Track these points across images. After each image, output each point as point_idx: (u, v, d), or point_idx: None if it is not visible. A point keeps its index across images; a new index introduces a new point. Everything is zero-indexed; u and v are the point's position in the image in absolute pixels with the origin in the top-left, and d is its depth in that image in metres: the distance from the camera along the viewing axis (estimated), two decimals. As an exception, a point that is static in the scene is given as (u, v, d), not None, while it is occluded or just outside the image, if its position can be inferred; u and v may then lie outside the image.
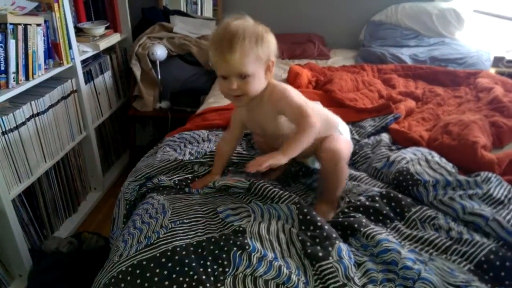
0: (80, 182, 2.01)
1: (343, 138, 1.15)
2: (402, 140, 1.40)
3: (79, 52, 1.92)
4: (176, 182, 1.12)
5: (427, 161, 1.20)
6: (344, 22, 2.51)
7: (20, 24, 1.45)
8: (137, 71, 2.27)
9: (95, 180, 2.12)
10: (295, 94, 1.04)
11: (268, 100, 1.03)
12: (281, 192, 1.05)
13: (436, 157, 1.23)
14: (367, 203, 1.05)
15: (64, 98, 1.80)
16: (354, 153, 1.36)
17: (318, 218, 0.97)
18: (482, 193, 1.08)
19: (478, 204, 1.05)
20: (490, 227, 0.97)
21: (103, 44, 2.09)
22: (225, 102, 1.80)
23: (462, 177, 1.12)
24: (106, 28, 2.19)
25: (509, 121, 1.49)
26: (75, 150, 1.94)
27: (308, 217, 0.97)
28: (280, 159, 0.95)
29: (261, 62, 0.97)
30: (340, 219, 1.02)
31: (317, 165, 1.21)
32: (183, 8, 2.74)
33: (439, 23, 2.38)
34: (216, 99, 1.89)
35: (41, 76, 1.62)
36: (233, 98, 1.02)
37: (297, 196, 1.05)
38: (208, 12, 2.78)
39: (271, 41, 0.99)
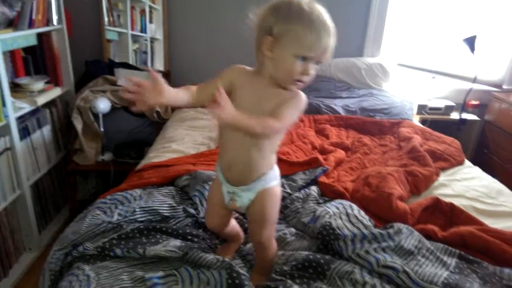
0: (13, 243, 1.92)
1: (276, 198, 1.10)
2: (329, 193, 1.49)
3: (15, 108, 1.89)
4: (99, 250, 1.11)
5: (347, 214, 1.28)
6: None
7: None
8: (78, 125, 2.26)
9: (30, 239, 2.03)
10: (296, 111, 0.99)
11: (287, 91, 0.99)
12: (214, 259, 1.06)
13: (356, 210, 1.32)
14: (291, 271, 1.09)
15: (-4, 157, 1.75)
16: (285, 207, 1.44)
17: (246, 283, 0.99)
18: (394, 245, 1.17)
19: (391, 256, 1.13)
20: (400, 279, 1.05)
21: (41, 100, 2.08)
22: (166, 156, 1.84)
23: (376, 230, 1.21)
24: (47, 82, 2.19)
25: (425, 170, 1.64)
26: (7, 210, 1.86)
27: (237, 281, 1.00)
28: (232, 113, 0.85)
29: None
30: (267, 283, 1.05)
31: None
32: (131, 58, 2.78)
33: (367, 76, 2.60)
34: (157, 153, 1.91)
35: (-30, 137, 1.59)
36: (294, 82, 0.96)
37: (230, 262, 1.06)
38: (159, 60, 2.84)
39: None
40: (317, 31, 0.90)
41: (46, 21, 2.14)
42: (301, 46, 0.91)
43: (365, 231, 1.19)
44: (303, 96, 1.00)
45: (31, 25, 2.00)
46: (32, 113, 2.09)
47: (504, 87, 2.74)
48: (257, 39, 0.97)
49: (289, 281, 1.04)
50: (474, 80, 2.57)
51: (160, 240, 1.16)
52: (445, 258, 1.17)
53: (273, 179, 1.07)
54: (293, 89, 0.98)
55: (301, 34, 0.90)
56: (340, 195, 1.46)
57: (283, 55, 0.92)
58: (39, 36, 2.18)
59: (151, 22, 2.79)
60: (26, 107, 1.98)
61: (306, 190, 1.51)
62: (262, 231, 1.08)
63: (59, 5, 2.24)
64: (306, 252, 1.16)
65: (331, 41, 0.93)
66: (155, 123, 2.44)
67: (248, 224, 1.18)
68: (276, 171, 1.09)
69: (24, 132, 2.00)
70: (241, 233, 1.27)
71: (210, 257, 1.08)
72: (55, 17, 2.21)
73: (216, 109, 0.82)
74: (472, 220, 1.38)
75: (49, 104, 2.25)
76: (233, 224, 1.23)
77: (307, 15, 0.91)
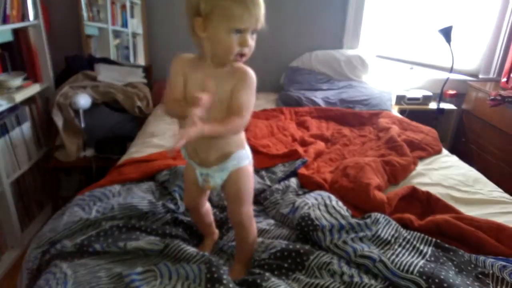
0: (-6, 242, 1.90)
1: (248, 176, 1.12)
2: (308, 184, 1.51)
3: (-9, 105, 1.87)
4: (78, 246, 1.11)
5: (325, 205, 1.31)
6: (265, 67, 2.67)
7: None
8: (59, 121, 2.23)
9: (12, 237, 2.01)
10: (252, 93, 1.00)
11: (232, 68, 0.99)
12: (194, 252, 1.08)
13: (334, 201, 1.35)
14: (270, 261, 1.11)
15: (-27, 156, 1.73)
16: (265, 198, 1.46)
17: (225, 277, 1.00)
18: (371, 235, 1.19)
19: (368, 246, 1.15)
20: (377, 268, 1.07)
21: (20, 96, 2.05)
22: (147, 151, 1.84)
23: (353, 220, 1.23)
24: (25, 79, 2.16)
25: (402, 159, 1.67)
26: (-13, 209, 1.85)
27: (215, 275, 1.00)
28: (199, 129, 0.88)
29: None
30: (246, 277, 1.06)
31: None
32: (112, 54, 2.75)
33: (346, 68, 2.62)
34: (138, 148, 1.91)
35: None
36: (236, 57, 0.96)
37: (209, 256, 1.07)
38: (141, 56, 2.81)
39: None
40: (243, 2, 0.90)
41: (21, 17, 2.10)
42: (231, 20, 0.90)
43: (343, 221, 1.22)
44: (250, 72, 1.00)
45: (5, 20, 1.96)
46: (11, 110, 2.06)
47: (480, 76, 2.80)
48: (189, 23, 0.97)
49: (267, 274, 1.05)
50: (451, 70, 2.62)
51: (140, 237, 1.17)
52: (421, 247, 1.18)
53: (245, 158, 1.09)
54: (238, 65, 0.99)
55: (228, 8, 0.89)
56: (319, 186, 1.48)
57: (217, 32, 0.92)
58: (15, 32, 2.14)
59: (132, 17, 2.75)
60: (3, 104, 1.95)
61: (286, 181, 1.53)
62: (241, 208, 1.09)
63: (35, 0, 2.20)
64: (286, 242, 1.19)
65: (260, 7, 0.92)
66: (137, 118, 2.42)
67: (227, 205, 1.19)
68: (247, 150, 1.11)
69: (2, 130, 1.97)
70: (215, 229, 1.28)
71: (190, 249, 1.09)
72: (31, 13, 2.17)
73: (181, 134, 0.85)
74: (448, 208, 1.40)
75: (29, 101, 2.22)
76: (208, 207, 1.25)
77: None
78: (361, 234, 1.20)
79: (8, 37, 2.09)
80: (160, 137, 2.01)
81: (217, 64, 0.99)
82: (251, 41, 0.95)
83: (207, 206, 1.25)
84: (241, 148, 1.08)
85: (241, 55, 0.95)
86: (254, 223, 1.17)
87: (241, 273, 1.12)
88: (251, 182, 1.12)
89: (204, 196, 1.21)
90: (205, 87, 0.98)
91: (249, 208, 1.13)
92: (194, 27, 0.95)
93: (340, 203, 1.34)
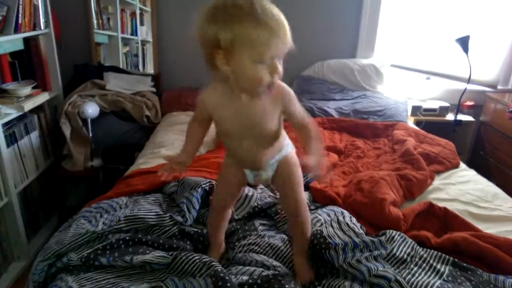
0: (1, 252, 1.87)
1: (294, 160, 1.12)
2: (320, 198, 1.45)
3: (0, 115, 1.85)
4: (84, 260, 1.08)
5: (338, 222, 1.25)
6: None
7: None
8: (67, 130, 2.22)
9: (18, 248, 1.98)
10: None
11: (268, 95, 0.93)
12: (201, 264, 1.05)
13: (347, 217, 1.29)
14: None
15: (-20, 165, 1.71)
16: (276, 213, 1.40)
17: None
18: (386, 253, 1.14)
19: (383, 265, 1.10)
20: (392, 289, 1.02)
21: (29, 105, 2.03)
22: (155, 162, 1.80)
23: (368, 238, 1.17)
24: (34, 87, 2.15)
25: (418, 174, 1.61)
26: (-6, 218, 1.82)
27: None
28: (316, 157, 1.00)
29: None
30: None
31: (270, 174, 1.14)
32: (122, 61, 2.74)
33: (360, 78, 2.57)
34: (146, 159, 1.88)
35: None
36: (268, 87, 0.88)
37: (215, 268, 1.03)
38: (150, 64, 2.80)
39: None
40: (267, 26, 0.78)
41: (33, 26, 2.10)
42: (257, 48, 0.79)
43: (357, 240, 1.16)
44: (285, 85, 0.98)
45: (17, 29, 1.96)
46: (19, 119, 2.05)
47: (499, 87, 2.72)
48: (205, 55, 0.87)
49: None
50: (469, 81, 2.55)
51: (147, 251, 1.13)
52: (438, 266, 1.15)
53: (289, 146, 1.12)
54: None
55: (251, 35, 0.78)
56: (332, 201, 1.43)
57: (242, 65, 0.82)
58: (26, 40, 2.14)
59: (142, 24, 2.75)
60: (12, 113, 1.94)
61: (298, 196, 1.47)
62: (296, 194, 1.10)
63: (46, 9, 2.20)
64: None
65: (286, 28, 0.81)
66: (145, 128, 2.40)
67: (280, 196, 1.25)
68: (286, 138, 1.11)
69: (11, 139, 1.96)
70: (223, 241, 1.26)
71: (198, 260, 1.06)
72: (42, 21, 2.17)
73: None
74: (466, 226, 1.35)
75: (37, 110, 2.21)
76: (230, 212, 1.26)
77: (248, 11, 0.78)
78: (375, 252, 1.14)
79: (19, 46, 2.09)
80: (168, 147, 1.97)
81: (250, 95, 0.92)
82: (280, 66, 0.85)
83: (230, 211, 1.25)
84: (283, 139, 1.10)
85: (270, 85, 0.87)
86: (308, 212, 1.17)
87: (304, 260, 1.13)
88: (299, 167, 1.13)
89: (235, 199, 1.24)
90: (242, 118, 0.95)
91: (303, 194, 1.14)
92: (213, 59, 0.85)
93: (354, 220, 1.29)
